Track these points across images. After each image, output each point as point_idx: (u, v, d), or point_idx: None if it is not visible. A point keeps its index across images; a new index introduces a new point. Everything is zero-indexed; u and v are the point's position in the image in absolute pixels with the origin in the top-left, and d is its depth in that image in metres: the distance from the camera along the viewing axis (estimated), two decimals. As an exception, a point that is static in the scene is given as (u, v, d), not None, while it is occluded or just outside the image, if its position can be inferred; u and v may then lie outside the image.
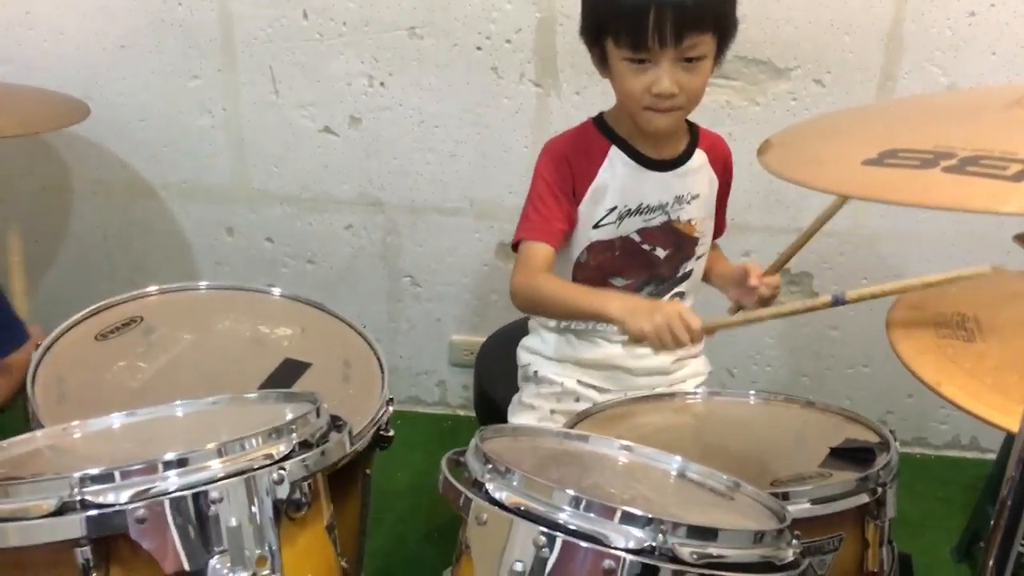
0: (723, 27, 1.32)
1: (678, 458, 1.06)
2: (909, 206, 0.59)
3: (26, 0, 2.03)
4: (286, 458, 0.91)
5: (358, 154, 2.11)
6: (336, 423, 1.06)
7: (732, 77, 1.94)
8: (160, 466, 0.85)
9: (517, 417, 1.49)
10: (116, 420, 1.09)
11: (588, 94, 1.96)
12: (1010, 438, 0.80)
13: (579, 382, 1.49)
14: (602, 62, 1.37)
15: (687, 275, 1.49)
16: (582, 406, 1.46)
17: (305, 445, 0.94)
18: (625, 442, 1.08)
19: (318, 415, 1.00)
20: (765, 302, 1.42)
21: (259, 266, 2.24)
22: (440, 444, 2.28)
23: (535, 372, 1.53)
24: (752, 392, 1.44)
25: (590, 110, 1.46)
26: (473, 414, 2.04)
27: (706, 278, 1.56)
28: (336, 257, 2.22)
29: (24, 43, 2.06)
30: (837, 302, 1.29)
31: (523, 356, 1.58)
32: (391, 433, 1.34)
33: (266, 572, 0.87)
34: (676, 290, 1.49)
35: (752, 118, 1.98)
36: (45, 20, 2.04)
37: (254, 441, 0.91)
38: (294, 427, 0.94)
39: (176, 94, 2.09)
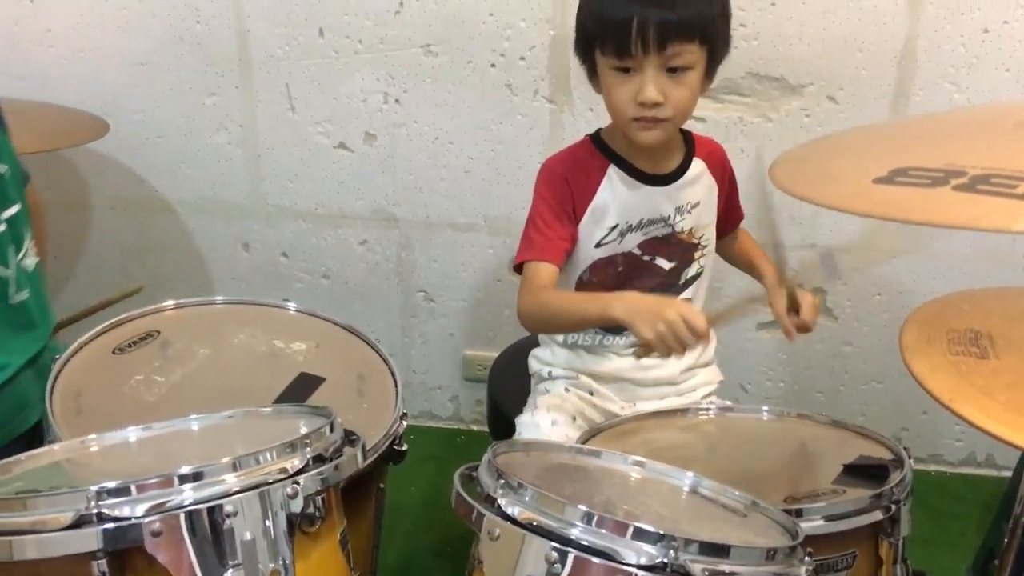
0: (710, 38, 1.31)
1: (690, 474, 1.06)
2: (919, 225, 0.59)
3: (46, 18, 2.06)
4: (300, 472, 0.91)
5: (373, 170, 2.12)
6: (350, 437, 1.06)
7: (745, 93, 1.95)
8: (176, 479, 0.86)
9: (532, 410, 1.49)
10: (132, 433, 1.10)
11: (601, 111, 1.93)
12: (1024, 456, 0.80)
13: (591, 390, 1.50)
14: (593, 75, 1.38)
15: (692, 279, 1.49)
16: (597, 400, 1.48)
17: (319, 459, 0.94)
18: (637, 457, 1.08)
19: (332, 429, 1.01)
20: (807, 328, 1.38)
21: (274, 281, 2.26)
22: (453, 458, 2.26)
23: (549, 372, 1.54)
24: (765, 408, 1.44)
25: (603, 123, 1.47)
26: (486, 429, 2.05)
27: (744, 268, 1.58)
28: (351, 272, 2.24)
29: (44, 60, 2.09)
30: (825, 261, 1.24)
31: (534, 364, 1.59)
32: (404, 447, 1.34)
33: (280, 586, 0.88)
34: (683, 296, 1.49)
35: (765, 134, 1.98)
36: (64, 38, 2.07)
37: (269, 455, 0.91)
38: (308, 441, 0.94)
39: (193, 111, 2.11)
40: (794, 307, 1.35)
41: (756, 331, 2.18)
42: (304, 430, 0.99)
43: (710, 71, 1.35)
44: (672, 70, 1.30)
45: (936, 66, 1.88)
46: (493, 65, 2.00)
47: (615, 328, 1.47)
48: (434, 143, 2.08)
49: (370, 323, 2.27)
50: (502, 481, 0.91)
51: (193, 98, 2.10)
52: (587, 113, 2.00)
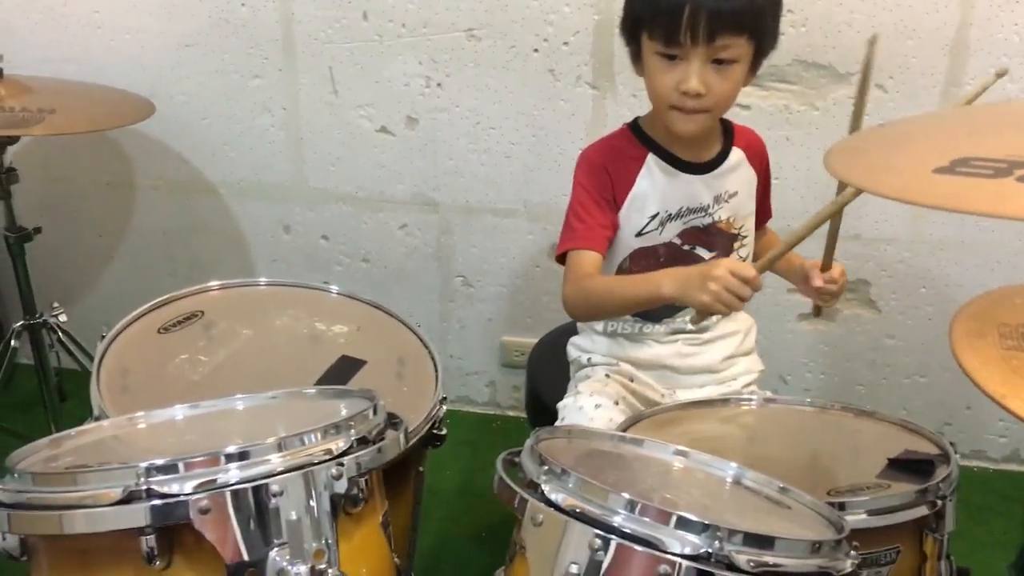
0: (759, 33, 1.30)
1: (734, 465, 1.05)
2: (983, 216, 0.58)
3: (94, 1, 2.08)
4: (344, 454, 0.92)
5: (414, 154, 2.12)
6: (392, 420, 1.07)
7: (792, 81, 1.92)
8: (222, 458, 0.87)
9: (575, 395, 1.48)
10: (179, 412, 1.12)
11: (644, 97, 1.92)
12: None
13: (632, 376, 1.49)
14: (637, 58, 1.38)
15: None
16: (637, 387, 1.47)
17: (363, 441, 0.95)
18: (680, 447, 1.08)
19: (375, 412, 1.01)
20: (834, 296, 1.39)
21: (314, 264, 2.27)
22: (490, 444, 2.29)
23: (589, 359, 1.54)
24: (808, 400, 1.42)
25: (645, 112, 1.46)
26: (523, 415, 2.05)
27: (775, 269, 1.55)
28: (390, 256, 2.24)
29: (92, 42, 2.12)
30: None
31: (573, 352, 1.59)
32: (444, 432, 1.36)
33: (323, 566, 0.88)
34: None
35: (811, 122, 1.95)
36: (112, 20, 2.09)
37: (313, 436, 0.92)
38: (352, 423, 0.95)
39: (238, 93, 2.13)
40: (827, 264, 1.36)
41: (797, 322, 2.15)
42: (347, 412, 1.00)
43: (756, 64, 1.34)
44: (718, 61, 1.29)
45: (988, 55, 1.84)
46: (536, 50, 1.99)
47: (655, 315, 1.46)
48: (475, 128, 2.08)
49: (408, 307, 2.26)
50: (545, 467, 0.91)
51: (237, 80, 2.12)
52: (630, 99, 1.98)
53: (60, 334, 2.02)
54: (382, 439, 0.99)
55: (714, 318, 1.46)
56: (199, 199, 2.26)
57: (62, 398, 2.10)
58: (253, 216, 2.26)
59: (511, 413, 2.37)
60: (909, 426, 1.31)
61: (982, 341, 1.07)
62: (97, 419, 1.23)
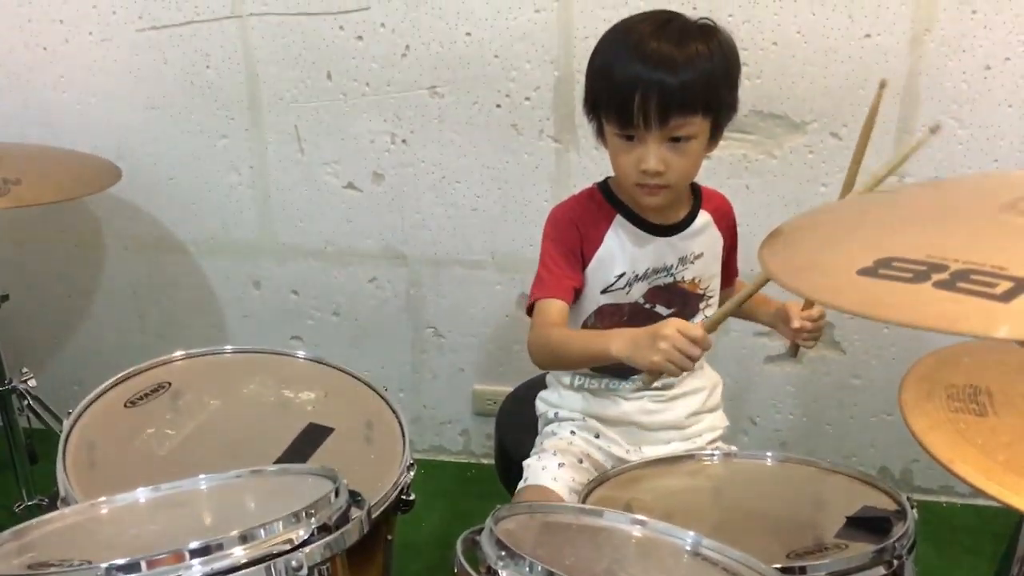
0: (714, 109, 1.32)
1: (691, 533, 1.07)
2: (899, 325, 0.61)
3: (59, 65, 2.10)
4: (306, 543, 0.93)
5: (381, 209, 2.15)
6: (356, 499, 1.08)
7: (749, 131, 1.96)
8: (186, 554, 0.88)
9: (539, 454, 1.51)
10: (142, 495, 1.12)
11: (606, 149, 1.99)
12: None
13: (597, 433, 1.51)
14: (600, 134, 1.41)
15: None
16: (603, 443, 1.49)
17: (324, 528, 0.96)
18: (639, 516, 1.09)
19: (337, 495, 1.02)
20: (814, 336, 1.44)
21: (285, 319, 2.28)
22: (464, 493, 2.30)
23: (556, 414, 1.56)
24: (769, 453, 1.44)
25: (607, 164, 1.48)
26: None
27: (744, 315, 1.60)
28: (361, 309, 2.26)
29: (57, 105, 2.13)
30: None
31: (541, 406, 1.61)
32: (412, 497, 1.37)
33: (287, 655, 0.90)
34: None
35: (769, 171, 1.99)
36: (78, 84, 2.11)
37: (275, 527, 0.93)
38: (314, 511, 0.96)
39: (205, 153, 2.15)
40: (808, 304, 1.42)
41: (764, 364, 2.18)
42: (310, 496, 1.00)
43: (715, 135, 1.37)
44: (675, 139, 1.31)
45: (939, 103, 1.89)
46: (499, 105, 2.02)
47: (622, 372, 1.48)
48: (441, 182, 2.10)
49: (380, 359, 2.29)
50: (503, 552, 0.93)
51: (204, 140, 2.14)
52: (592, 152, 2.01)
53: (30, 399, 2.02)
54: (345, 522, 1.00)
55: (674, 380, 1.48)
56: (168, 257, 2.27)
57: (33, 460, 2.09)
58: (223, 273, 2.27)
59: (485, 461, 2.38)
60: (868, 480, 1.34)
61: (930, 404, 1.10)
62: (63, 499, 1.24)
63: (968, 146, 1.92)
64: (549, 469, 1.46)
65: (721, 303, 1.56)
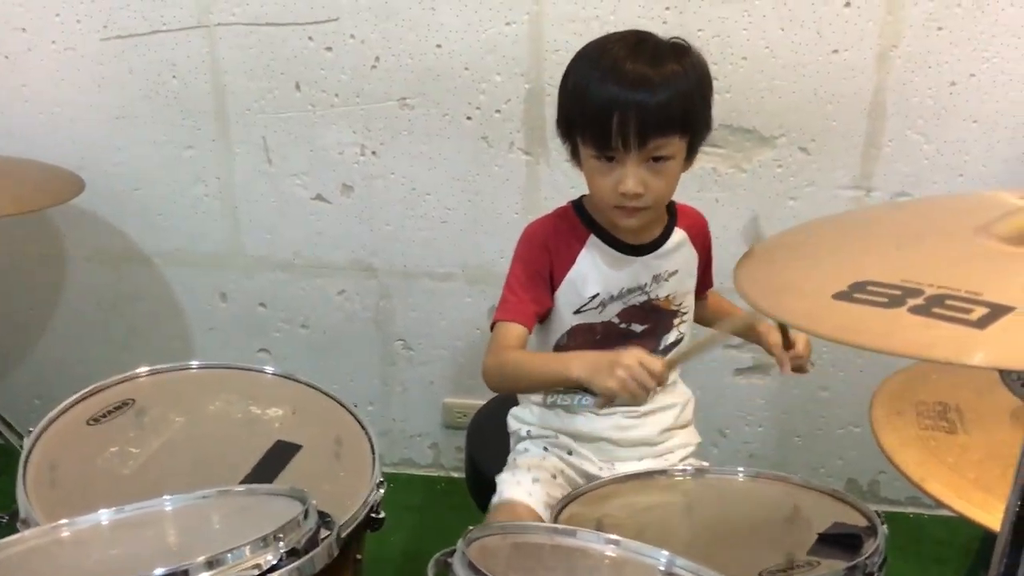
0: (691, 128, 1.33)
1: (665, 553, 1.07)
2: (874, 351, 0.61)
3: (22, 74, 2.06)
4: (273, 569, 0.91)
5: (350, 221, 2.13)
6: (325, 520, 1.07)
7: (719, 145, 1.97)
8: (149, 582, 0.86)
9: (513, 470, 1.50)
10: (104, 516, 1.10)
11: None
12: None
13: (570, 449, 1.51)
14: (575, 155, 1.40)
15: (673, 345, 1.50)
16: (575, 461, 1.48)
17: (293, 553, 0.94)
18: (612, 536, 1.09)
19: (306, 517, 1.01)
20: (803, 366, 1.46)
21: (252, 331, 2.26)
22: (434, 506, 2.28)
23: (527, 431, 1.55)
24: (741, 469, 1.45)
25: (578, 177, 1.47)
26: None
27: (718, 326, 1.60)
28: (329, 322, 2.24)
29: (20, 116, 2.09)
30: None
31: (513, 423, 1.60)
32: (382, 515, 1.35)
33: None
34: None
35: (739, 184, 2.00)
36: (41, 93, 2.07)
37: (243, 551, 0.91)
38: (282, 535, 0.94)
39: (171, 164, 2.12)
40: (788, 343, 1.42)
41: (733, 376, 2.19)
42: (278, 517, 0.99)
43: (692, 153, 1.37)
44: (654, 159, 1.31)
45: (905, 118, 1.91)
46: (469, 118, 2.01)
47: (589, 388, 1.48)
48: (411, 194, 2.09)
49: (349, 372, 2.27)
50: (475, 575, 0.92)
51: (170, 151, 2.10)
52: (563, 164, 1.98)
53: (-11, 416, 1.98)
54: (314, 545, 0.99)
55: (632, 420, 1.49)
56: (133, 269, 2.23)
57: (-8, 476, 2.05)
58: (189, 285, 2.24)
59: (455, 474, 2.36)
60: (839, 496, 1.34)
61: (900, 420, 1.11)
62: (23, 521, 1.21)
63: (934, 161, 1.94)
64: (523, 484, 1.45)
65: (696, 315, 1.57)
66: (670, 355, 1.35)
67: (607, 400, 1.30)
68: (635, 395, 1.24)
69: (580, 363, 1.30)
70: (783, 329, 1.41)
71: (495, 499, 1.46)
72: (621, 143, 1.28)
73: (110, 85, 2.06)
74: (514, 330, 1.41)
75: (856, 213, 1.03)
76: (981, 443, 1.06)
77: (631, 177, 1.30)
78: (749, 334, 1.54)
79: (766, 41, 1.88)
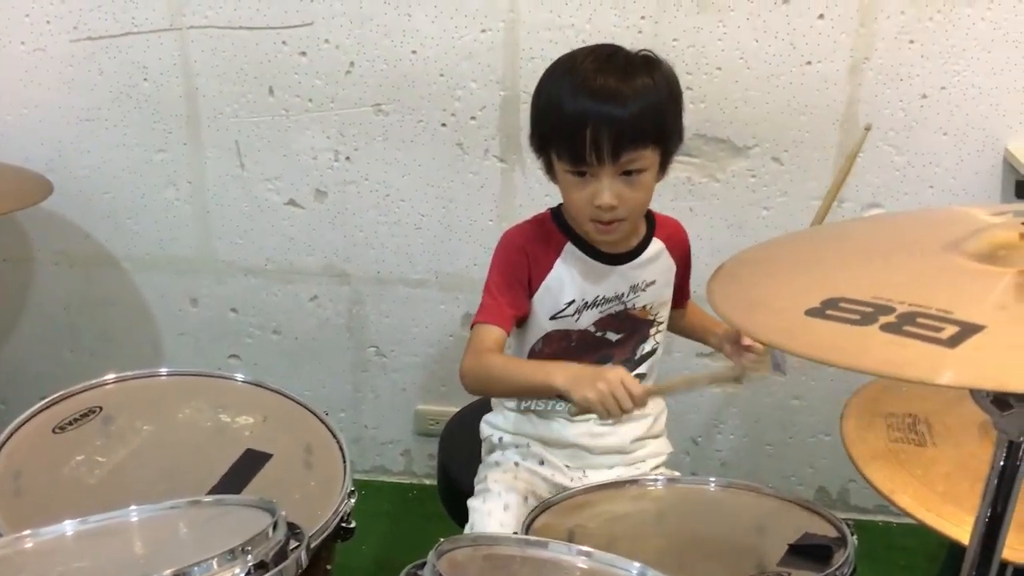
0: (664, 140, 1.34)
1: (637, 565, 1.06)
2: (846, 369, 0.61)
3: (-10, 74, 2.03)
4: (242, 582, 0.90)
5: (324, 226, 2.11)
6: (294, 531, 1.05)
7: (693, 154, 1.97)
8: (114, 596, 0.85)
9: (484, 495, 1.49)
10: (69, 527, 1.08)
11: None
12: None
13: (542, 459, 1.50)
14: (549, 170, 1.40)
15: (648, 355, 1.51)
16: (547, 472, 1.48)
17: (261, 566, 0.93)
18: (584, 548, 1.08)
19: (275, 529, 0.99)
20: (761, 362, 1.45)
21: (224, 336, 2.23)
22: (405, 514, 2.27)
23: (500, 438, 1.55)
24: (712, 479, 1.45)
25: (553, 185, 1.47)
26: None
27: (697, 337, 1.62)
28: (301, 328, 2.22)
29: (-13, 116, 2.06)
30: (776, 367, 1.33)
31: (486, 429, 1.59)
32: (353, 525, 1.34)
33: None
34: (637, 371, 1.50)
35: (713, 194, 2.01)
36: (9, 95, 2.04)
37: (210, 564, 0.90)
38: (250, 548, 0.93)
39: (141, 167, 2.09)
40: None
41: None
42: (247, 529, 0.98)
43: (664, 164, 1.37)
44: (627, 172, 1.31)
45: (877, 130, 1.92)
46: (444, 124, 2.00)
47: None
48: (385, 200, 2.08)
49: (321, 378, 2.26)
50: (446, 589, 0.91)
51: (140, 154, 2.08)
52: (537, 172, 1.97)
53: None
54: (283, 558, 0.97)
55: (605, 428, 1.49)
56: (102, 272, 2.20)
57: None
58: (159, 289, 2.22)
59: (427, 482, 2.35)
60: (809, 507, 1.34)
61: (871, 433, 1.12)
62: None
63: (905, 172, 1.96)
64: (495, 514, 1.44)
65: (673, 326, 1.57)
66: (653, 385, 1.36)
67: (581, 411, 1.30)
68: (610, 412, 1.25)
69: (563, 374, 1.30)
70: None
71: (468, 528, 1.46)
72: (595, 157, 1.28)
73: (80, 87, 2.03)
74: (492, 333, 1.41)
75: (828, 228, 1.04)
76: (950, 456, 1.07)
77: (606, 191, 1.30)
78: (699, 335, 1.59)
79: (740, 52, 1.89)
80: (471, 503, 1.47)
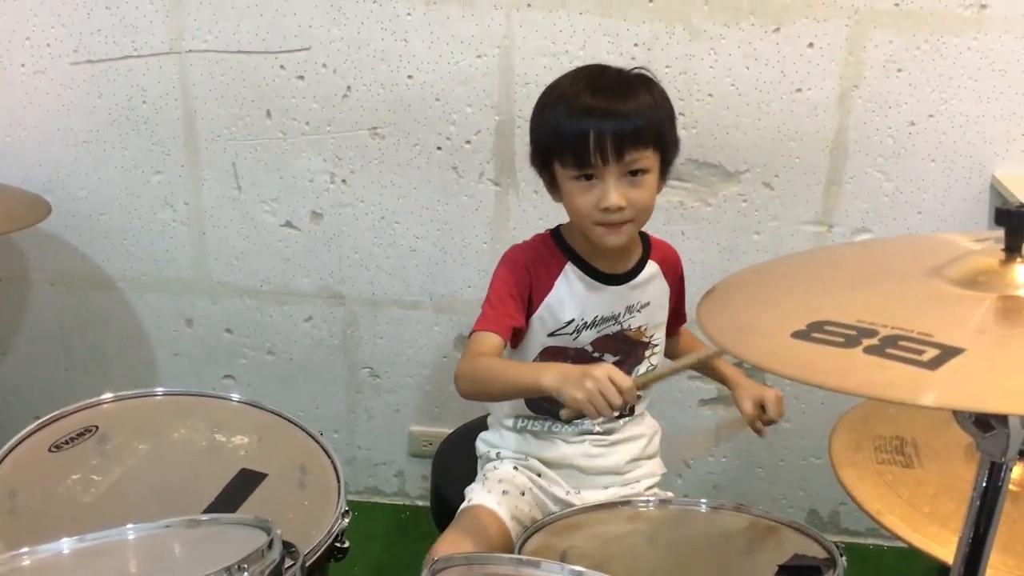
0: (662, 144, 1.39)
1: (626, 585, 1.08)
2: (831, 391, 0.63)
3: (-10, 96, 2.05)
4: (237, 600, 0.91)
5: (319, 248, 2.13)
6: (289, 550, 1.06)
7: (685, 179, 2.00)
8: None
9: (483, 481, 1.51)
10: (66, 545, 1.09)
11: (545, 193, 2.00)
12: None
13: (539, 471, 1.52)
14: (553, 185, 1.43)
15: None
16: (544, 483, 1.50)
17: (256, 584, 0.94)
18: (576, 568, 1.09)
19: (270, 547, 1.00)
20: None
21: (218, 357, 2.24)
22: (399, 535, 2.27)
23: (497, 454, 1.56)
24: (703, 500, 1.46)
25: (547, 208, 1.50)
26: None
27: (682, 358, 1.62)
28: (296, 348, 2.23)
29: (-14, 138, 2.08)
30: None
31: (482, 447, 1.61)
32: (346, 544, 1.35)
33: None
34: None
35: (704, 218, 2.03)
36: (8, 116, 2.06)
37: (206, 582, 0.91)
38: (246, 566, 0.94)
39: (138, 189, 2.11)
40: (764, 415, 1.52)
41: (698, 407, 2.21)
42: (242, 548, 0.99)
43: (664, 172, 1.42)
44: (632, 173, 1.35)
45: (866, 156, 1.95)
46: (439, 148, 2.03)
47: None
48: (380, 222, 2.10)
49: (315, 399, 2.27)
50: (439, 606, 0.92)
51: (138, 176, 2.10)
52: (532, 195, 2.03)
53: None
54: (278, 576, 0.98)
55: (615, 425, 1.51)
56: (98, 293, 2.21)
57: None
58: (154, 310, 2.23)
59: (420, 503, 2.35)
60: (799, 528, 1.36)
61: (859, 455, 1.13)
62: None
63: (893, 198, 1.98)
64: (493, 493, 1.47)
65: (667, 352, 1.59)
66: (640, 377, 1.38)
67: (573, 412, 1.31)
68: (600, 409, 1.25)
69: (551, 373, 1.31)
70: (761, 406, 1.52)
71: (463, 505, 1.48)
72: (599, 157, 1.33)
73: (79, 109, 2.05)
74: (490, 339, 1.43)
75: (815, 253, 1.06)
76: (936, 477, 1.08)
77: (612, 191, 1.34)
78: (710, 371, 1.63)
79: (732, 79, 1.92)
80: (468, 488, 1.50)
